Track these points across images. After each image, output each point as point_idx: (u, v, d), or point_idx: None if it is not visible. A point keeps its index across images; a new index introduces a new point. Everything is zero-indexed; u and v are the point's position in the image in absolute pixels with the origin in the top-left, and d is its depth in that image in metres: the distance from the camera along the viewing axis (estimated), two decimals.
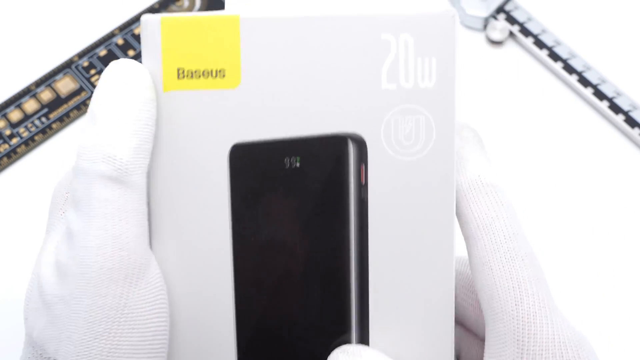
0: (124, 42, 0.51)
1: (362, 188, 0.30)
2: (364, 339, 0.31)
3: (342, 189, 0.30)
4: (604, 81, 0.48)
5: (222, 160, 0.30)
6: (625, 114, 0.48)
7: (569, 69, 0.49)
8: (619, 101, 0.48)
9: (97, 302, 0.28)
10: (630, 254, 0.45)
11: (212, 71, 0.29)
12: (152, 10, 0.52)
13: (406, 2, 0.32)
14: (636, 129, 0.47)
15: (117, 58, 0.50)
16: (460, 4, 0.51)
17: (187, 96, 0.29)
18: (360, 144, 0.30)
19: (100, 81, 0.29)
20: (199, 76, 0.29)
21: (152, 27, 0.29)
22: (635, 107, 0.48)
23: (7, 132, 0.49)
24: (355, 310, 0.31)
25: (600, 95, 0.48)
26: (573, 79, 0.49)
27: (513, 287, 0.29)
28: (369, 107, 0.30)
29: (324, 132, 0.30)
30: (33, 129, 0.49)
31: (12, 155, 0.48)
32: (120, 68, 0.29)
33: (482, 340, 0.32)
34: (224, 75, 0.29)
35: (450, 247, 0.31)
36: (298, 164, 0.30)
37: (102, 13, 0.52)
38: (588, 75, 0.49)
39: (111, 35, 0.51)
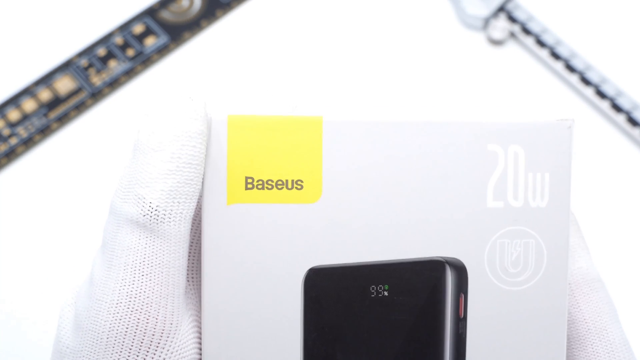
0: (123, 42, 0.51)
1: (461, 322, 0.26)
2: None
3: (437, 323, 0.26)
4: (605, 81, 0.48)
5: (296, 286, 0.26)
6: (627, 113, 0.47)
7: (570, 68, 0.49)
8: (620, 101, 0.48)
9: None
10: (630, 254, 0.45)
11: (287, 181, 0.26)
12: (152, 9, 0.52)
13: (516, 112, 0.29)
14: (637, 129, 0.47)
15: (117, 58, 0.50)
16: (460, 4, 0.50)
17: (255, 210, 0.26)
18: (460, 271, 0.26)
19: (150, 110, 0.26)
20: (272, 187, 0.26)
21: (217, 127, 0.26)
22: (636, 107, 0.47)
23: (6, 131, 0.48)
24: None
25: (601, 95, 0.48)
26: (574, 78, 0.49)
27: None
28: (471, 229, 0.26)
29: (416, 256, 0.26)
30: (32, 128, 0.49)
31: (11, 155, 0.48)
32: (173, 97, 0.25)
33: None
34: (301, 187, 0.26)
35: None
36: (386, 293, 0.26)
37: (101, 13, 0.52)
38: (589, 75, 0.49)
39: (110, 34, 0.51)
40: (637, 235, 0.45)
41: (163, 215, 0.25)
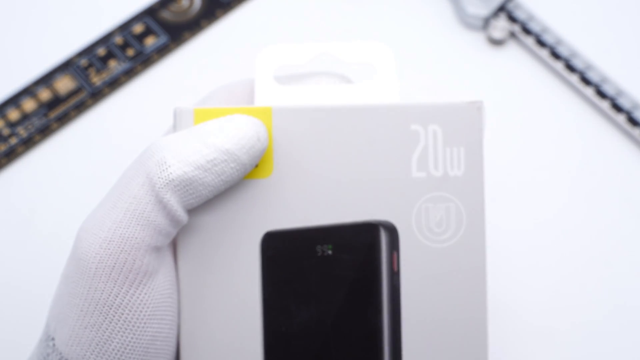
0: (123, 42, 0.51)
1: (395, 275, 0.30)
2: None
3: (374, 277, 0.30)
4: (605, 81, 0.48)
5: (254, 247, 0.30)
6: (627, 113, 0.47)
7: (570, 68, 0.49)
8: (620, 101, 0.48)
9: (91, 294, 0.28)
10: (631, 254, 0.45)
11: None
12: (152, 9, 0.52)
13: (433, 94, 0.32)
14: (638, 129, 0.47)
15: (117, 58, 0.50)
16: (460, 3, 0.50)
17: None
18: (392, 232, 0.30)
19: (233, 117, 0.29)
20: None
21: (185, 118, 0.30)
22: (637, 107, 0.47)
23: (6, 131, 0.48)
24: None
25: (601, 94, 0.48)
26: (574, 78, 0.49)
27: None
28: (400, 195, 0.30)
29: (355, 220, 0.30)
30: (32, 128, 0.49)
31: (11, 155, 0.48)
32: (251, 125, 0.29)
33: None
34: (256, 165, 0.30)
35: (484, 335, 0.30)
36: (330, 252, 0.30)
37: (101, 13, 0.52)
38: (589, 74, 0.48)
39: (110, 34, 0.51)
40: (638, 235, 0.45)
41: (172, 189, 0.28)
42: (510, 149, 0.48)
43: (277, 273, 0.31)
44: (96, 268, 0.28)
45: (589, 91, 0.48)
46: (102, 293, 0.28)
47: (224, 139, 0.29)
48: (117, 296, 0.28)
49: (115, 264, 0.28)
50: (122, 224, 0.28)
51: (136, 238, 0.28)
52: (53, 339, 0.29)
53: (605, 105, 0.48)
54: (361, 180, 0.30)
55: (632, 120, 0.47)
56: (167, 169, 0.28)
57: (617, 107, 0.48)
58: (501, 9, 0.50)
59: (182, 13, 0.52)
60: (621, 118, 0.47)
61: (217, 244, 0.30)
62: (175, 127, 0.30)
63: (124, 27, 0.52)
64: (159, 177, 0.28)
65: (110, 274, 0.28)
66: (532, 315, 0.43)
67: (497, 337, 0.42)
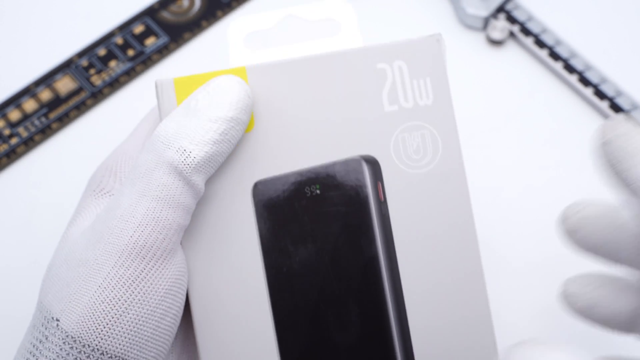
0: (123, 42, 0.51)
1: (382, 204, 0.32)
2: (407, 352, 0.32)
3: (363, 208, 0.32)
4: (604, 81, 0.48)
5: (247, 197, 0.32)
6: (626, 114, 0.47)
7: (570, 68, 0.49)
8: (619, 101, 0.48)
9: (118, 271, 0.30)
10: None
11: None
12: (152, 9, 0.52)
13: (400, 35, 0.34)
14: None
15: (117, 58, 0.50)
16: (460, 4, 0.50)
17: None
18: (374, 164, 0.32)
19: (210, 83, 0.31)
20: None
21: (166, 88, 0.33)
22: (635, 107, 0.48)
23: (7, 132, 0.49)
24: (395, 325, 0.32)
25: (600, 95, 0.48)
26: (574, 78, 0.49)
27: None
28: (376, 130, 0.32)
29: (338, 158, 0.32)
30: (32, 128, 0.49)
31: (12, 155, 0.48)
32: (233, 82, 0.31)
33: None
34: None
35: (475, 245, 0.32)
36: (318, 191, 0.32)
37: (102, 13, 0.52)
38: (589, 74, 0.49)
39: (111, 35, 0.51)
40: None
41: (198, 171, 0.31)
42: (510, 148, 0.48)
43: (271, 219, 0.32)
44: (126, 247, 0.30)
45: (588, 91, 0.48)
46: (127, 269, 0.30)
47: (225, 108, 0.31)
48: (142, 271, 0.30)
49: (146, 243, 0.30)
50: (156, 209, 0.30)
51: (168, 219, 0.30)
52: (57, 319, 0.30)
53: (604, 105, 0.48)
54: (338, 122, 0.32)
55: None
56: (189, 155, 0.30)
57: (616, 107, 0.48)
58: (501, 9, 0.50)
59: (182, 13, 0.52)
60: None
61: (210, 201, 0.32)
62: (158, 99, 0.32)
63: (124, 27, 0.52)
64: (184, 164, 0.30)
65: (141, 252, 0.30)
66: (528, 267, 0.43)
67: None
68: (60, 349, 0.30)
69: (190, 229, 0.32)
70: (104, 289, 0.30)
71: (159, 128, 0.31)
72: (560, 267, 0.45)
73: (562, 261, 0.45)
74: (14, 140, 0.48)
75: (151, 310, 0.30)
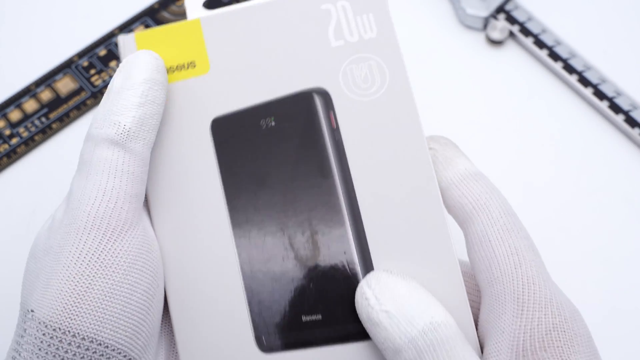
0: None
1: (335, 132, 0.33)
2: (365, 258, 0.33)
3: (317, 136, 0.34)
4: (604, 81, 0.48)
5: (206, 134, 0.34)
6: (626, 113, 0.47)
7: (569, 68, 0.49)
8: (619, 101, 0.48)
9: (77, 247, 0.31)
10: (631, 254, 0.45)
11: (184, 64, 0.35)
12: (152, 10, 0.52)
13: None
14: (636, 129, 0.47)
15: (117, 58, 0.51)
16: (460, 4, 0.50)
17: (174, 86, 0.35)
18: (325, 95, 0.34)
19: (124, 61, 0.34)
20: (174, 70, 0.35)
21: (129, 44, 0.35)
22: (635, 107, 0.48)
23: (7, 132, 0.49)
24: (355, 244, 0.33)
25: (600, 95, 0.48)
26: (573, 78, 0.49)
27: (511, 253, 0.31)
28: (325, 64, 0.34)
29: (291, 92, 0.34)
30: (33, 129, 0.49)
31: (12, 155, 0.48)
32: (136, 54, 0.34)
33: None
34: (195, 66, 0.35)
35: (428, 164, 0.33)
36: (273, 123, 0.34)
37: (102, 13, 0.52)
38: (588, 75, 0.49)
39: (111, 35, 0.51)
40: (637, 235, 0.45)
41: (134, 136, 0.32)
42: (509, 148, 0.48)
43: (230, 152, 0.34)
44: (83, 224, 0.31)
45: (588, 91, 0.48)
46: (86, 244, 0.31)
47: (136, 74, 0.33)
48: (100, 243, 0.31)
49: (101, 215, 0.31)
50: (102, 182, 0.31)
51: (116, 188, 0.31)
52: (32, 310, 0.30)
53: (604, 105, 0.48)
54: (289, 60, 0.34)
55: (631, 120, 0.47)
56: (119, 124, 0.32)
57: (615, 107, 0.48)
58: (500, 9, 0.51)
59: (182, 13, 0.52)
60: (620, 118, 0.47)
61: (177, 132, 0.34)
62: (121, 55, 0.35)
63: (125, 27, 0.52)
64: (118, 135, 0.32)
65: (96, 225, 0.31)
66: None
67: None
68: (36, 339, 0.30)
69: (155, 180, 0.34)
70: (68, 268, 0.30)
71: (92, 120, 0.33)
72: (561, 267, 0.45)
73: (561, 261, 0.45)
74: (14, 140, 0.48)
75: (116, 284, 0.31)
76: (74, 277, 0.30)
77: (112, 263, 0.31)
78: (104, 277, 0.30)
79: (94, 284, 0.30)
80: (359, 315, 0.32)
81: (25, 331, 0.30)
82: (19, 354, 0.30)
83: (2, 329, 0.44)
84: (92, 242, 0.31)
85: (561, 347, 0.30)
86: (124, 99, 0.32)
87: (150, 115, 0.33)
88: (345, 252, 0.33)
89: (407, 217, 0.33)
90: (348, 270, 0.33)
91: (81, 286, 0.30)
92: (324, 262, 0.33)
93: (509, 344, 0.30)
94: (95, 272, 0.30)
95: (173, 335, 0.35)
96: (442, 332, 0.30)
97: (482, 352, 0.32)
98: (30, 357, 0.30)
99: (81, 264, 0.30)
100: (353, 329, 0.33)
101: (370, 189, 0.33)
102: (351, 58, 0.34)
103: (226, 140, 0.34)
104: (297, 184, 0.34)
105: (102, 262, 0.31)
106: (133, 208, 0.32)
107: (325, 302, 0.33)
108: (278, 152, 0.34)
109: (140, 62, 0.33)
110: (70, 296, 0.30)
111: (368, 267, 0.33)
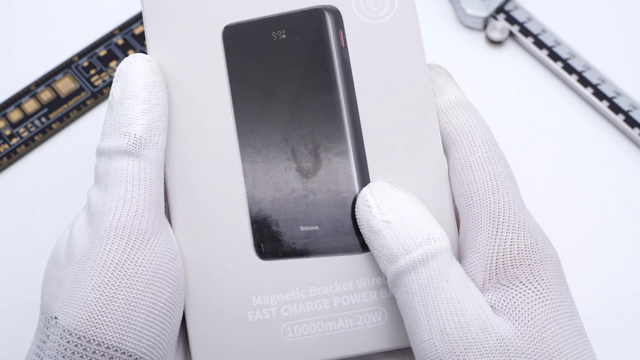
0: (123, 42, 0.51)
1: (344, 50, 0.34)
2: (364, 176, 0.35)
3: (326, 52, 0.34)
4: (603, 81, 0.48)
5: (218, 41, 0.35)
6: (625, 113, 0.48)
7: (569, 68, 0.49)
8: (618, 101, 0.48)
9: (102, 256, 0.31)
10: (630, 254, 0.45)
11: None
12: None
13: None
14: (636, 129, 0.47)
15: (117, 58, 0.51)
16: (460, 4, 0.51)
17: None
18: (336, 13, 0.34)
19: (115, 73, 0.34)
20: None
21: None
22: (635, 107, 0.48)
23: (7, 132, 0.49)
24: (354, 160, 0.35)
25: (600, 95, 0.48)
26: (573, 78, 0.49)
27: (490, 179, 0.33)
28: None
29: (303, 7, 0.35)
30: (33, 129, 0.49)
31: (12, 156, 0.48)
32: (128, 61, 0.34)
33: None
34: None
35: (427, 88, 0.34)
36: (284, 36, 0.35)
37: (102, 13, 0.52)
38: (588, 75, 0.49)
39: (111, 35, 0.51)
40: (637, 235, 0.46)
41: (145, 142, 0.32)
42: (509, 149, 0.48)
43: (239, 60, 0.35)
44: (106, 234, 0.31)
45: (588, 91, 0.48)
46: (109, 253, 0.31)
47: (133, 82, 0.33)
48: (124, 253, 0.31)
49: (123, 225, 0.31)
50: (121, 192, 0.32)
51: (136, 197, 0.32)
52: (56, 317, 0.31)
53: (603, 105, 0.48)
54: None
55: (630, 121, 0.47)
56: (129, 134, 0.32)
57: (615, 108, 0.48)
58: (500, 9, 0.51)
59: None
60: (619, 118, 0.47)
61: (181, 41, 0.35)
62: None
63: (125, 27, 0.52)
64: (130, 145, 0.32)
65: (119, 235, 0.31)
66: None
67: None
68: (59, 346, 0.30)
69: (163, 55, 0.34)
70: (92, 277, 0.31)
71: (101, 134, 0.33)
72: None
73: (560, 260, 0.45)
74: (14, 141, 0.48)
75: (140, 293, 0.31)
76: (99, 287, 0.31)
77: (135, 272, 0.31)
78: (127, 287, 0.31)
79: (118, 294, 0.31)
80: (358, 222, 0.33)
81: (48, 337, 0.31)
82: (41, 359, 0.31)
83: (2, 328, 0.44)
84: (115, 252, 0.31)
85: (531, 264, 0.32)
86: (128, 108, 0.33)
87: (157, 118, 0.33)
88: (344, 168, 0.34)
89: (405, 137, 0.34)
90: (346, 185, 0.34)
91: (106, 295, 0.31)
92: (323, 175, 0.34)
93: (484, 262, 0.32)
94: (120, 282, 0.31)
95: (188, 342, 0.35)
96: (437, 247, 0.32)
97: None
98: None
99: (105, 274, 0.31)
100: (347, 241, 0.34)
101: (372, 109, 0.34)
102: None
103: (236, 48, 0.35)
104: (303, 97, 0.35)
105: (125, 271, 0.31)
106: (153, 216, 0.32)
107: (322, 214, 0.34)
108: (286, 64, 0.35)
109: (134, 69, 0.33)
110: (95, 305, 0.30)
111: (366, 182, 0.34)
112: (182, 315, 0.34)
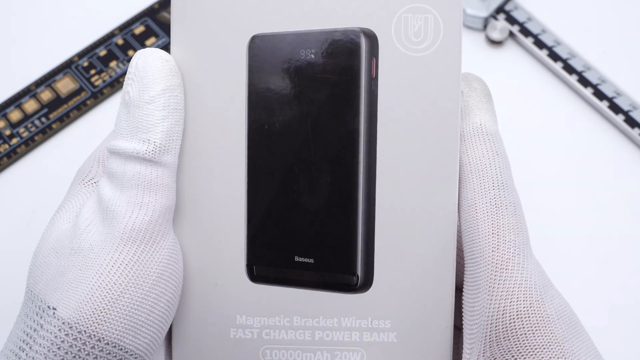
0: (124, 42, 0.51)
1: (373, 81, 0.32)
2: (369, 225, 0.33)
3: (353, 80, 0.32)
4: (603, 81, 0.48)
5: (243, 47, 0.33)
6: (625, 113, 0.48)
7: (569, 68, 0.49)
8: (618, 101, 0.48)
9: (113, 256, 0.31)
10: (630, 254, 0.45)
11: None
12: (152, 10, 0.52)
13: None
14: (636, 129, 0.47)
15: (117, 58, 0.51)
16: None
17: None
18: (372, 38, 0.32)
19: (130, 68, 0.32)
20: None
21: None
22: (635, 107, 0.48)
23: (7, 132, 0.49)
24: (362, 197, 0.33)
25: (600, 95, 0.48)
26: (573, 79, 0.49)
27: (493, 233, 0.32)
28: (381, 6, 0.32)
29: (338, 27, 0.32)
30: (33, 129, 0.49)
31: (12, 156, 0.48)
32: (145, 57, 0.32)
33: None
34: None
35: (455, 135, 0.32)
36: (313, 55, 0.32)
37: (102, 13, 0.52)
38: (588, 75, 0.49)
39: (111, 35, 0.51)
40: (637, 235, 0.46)
41: (164, 149, 0.32)
42: (509, 149, 0.48)
43: (263, 74, 0.33)
44: (122, 234, 0.31)
45: (588, 92, 0.48)
46: (121, 254, 0.31)
47: (152, 86, 0.32)
48: (134, 254, 0.31)
49: (139, 228, 0.31)
50: (137, 196, 0.32)
51: (153, 202, 0.32)
52: (54, 308, 0.31)
53: (603, 105, 0.48)
54: None
55: (630, 121, 0.47)
56: (148, 141, 0.32)
57: (615, 108, 0.48)
58: (500, 10, 0.51)
59: None
60: (619, 118, 0.48)
61: (207, 46, 0.33)
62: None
63: (125, 27, 0.52)
64: (148, 152, 0.32)
65: (132, 237, 0.31)
66: None
67: None
68: (55, 337, 0.30)
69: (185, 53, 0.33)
70: (101, 275, 0.31)
71: (116, 131, 0.33)
72: (560, 266, 0.45)
73: (561, 260, 0.45)
74: (14, 141, 0.48)
75: (145, 294, 0.31)
76: (107, 285, 0.31)
77: (143, 274, 0.31)
78: (135, 287, 0.31)
79: (125, 293, 0.31)
80: None
81: (41, 327, 0.31)
82: (30, 347, 0.31)
83: (2, 328, 0.44)
84: (126, 254, 0.31)
85: (524, 334, 0.30)
86: (147, 114, 0.32)
87: (175, 122, 0.32)
88: (349, 211, 0.33)
89: (418, 187, 0.32)
90: (348, 226, 0.33)
91: (113, 294, 0.31)
92: (326, 212, 0.33)
93: (480, 335, 0.31)
94: (128, 282, 0.31)
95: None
96: None
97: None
98: (44, 353, 0.30)
99: (114, 273, 0.31)
100: (340, 280, 0.33)
101: (392, 148, 0.32)
102: (409, 6, 0.32)
103: (261, 60, 0.33)
104: (321, 126, 0.33)
105: (134, 272, 0.31)
106: (166, 220, 0.32)
107: (320, 249, 0.33)
108: (310, 87, 0.33)
109: (152, 68, 0.32)
110: (100, 302, 0.30)
111: (369, 226, 0.33)
112: (174, 313, 0.34)
